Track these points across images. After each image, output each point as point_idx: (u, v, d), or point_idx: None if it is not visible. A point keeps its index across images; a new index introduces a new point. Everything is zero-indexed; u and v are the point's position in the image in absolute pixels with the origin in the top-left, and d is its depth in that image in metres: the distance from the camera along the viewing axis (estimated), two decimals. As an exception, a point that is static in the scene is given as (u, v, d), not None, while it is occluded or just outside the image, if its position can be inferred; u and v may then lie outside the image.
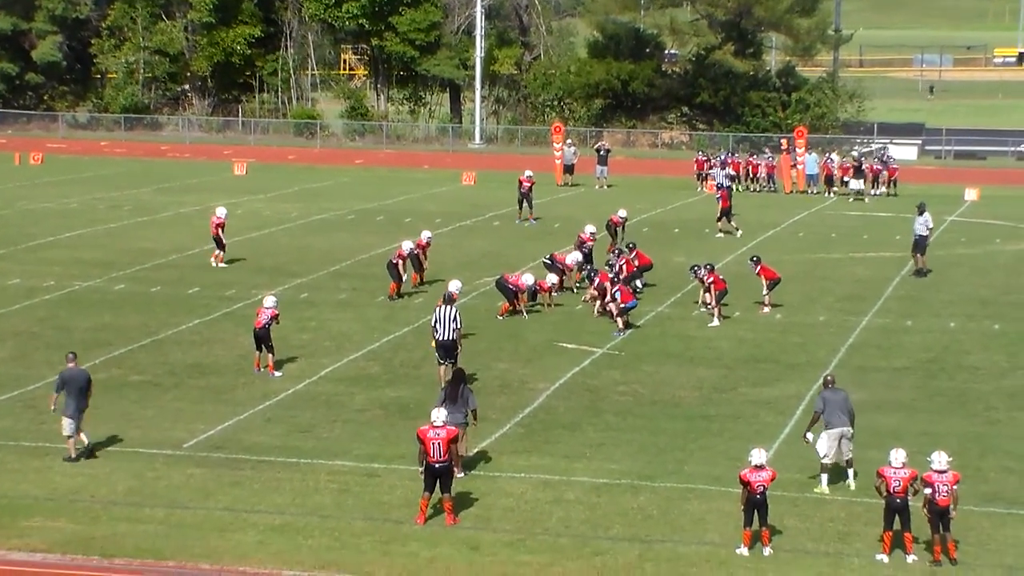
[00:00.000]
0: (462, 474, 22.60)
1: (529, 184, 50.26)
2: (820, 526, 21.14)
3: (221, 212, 41.30)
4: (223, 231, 40.88)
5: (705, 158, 63.27)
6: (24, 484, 22.52)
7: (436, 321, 27.89)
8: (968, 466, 22.31)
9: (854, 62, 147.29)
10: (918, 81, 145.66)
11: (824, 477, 22.64)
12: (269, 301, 29.49)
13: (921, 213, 40.76)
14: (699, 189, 61.29)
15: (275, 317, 29.11)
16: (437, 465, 20.91)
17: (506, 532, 20.84)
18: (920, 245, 40.75)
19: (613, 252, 37.89)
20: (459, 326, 27.98)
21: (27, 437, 24.84)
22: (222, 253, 40.91)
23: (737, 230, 47.83)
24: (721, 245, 45.87)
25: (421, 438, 21.09)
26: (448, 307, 28.05)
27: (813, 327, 33.91)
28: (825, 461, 22.63)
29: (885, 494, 19.88)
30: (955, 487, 19.65)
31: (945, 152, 77.94)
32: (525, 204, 50.25)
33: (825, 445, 22.61)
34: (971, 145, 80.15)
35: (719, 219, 48.25)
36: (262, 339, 29.06)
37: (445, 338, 27.73)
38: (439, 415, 21.20)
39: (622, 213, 43.85)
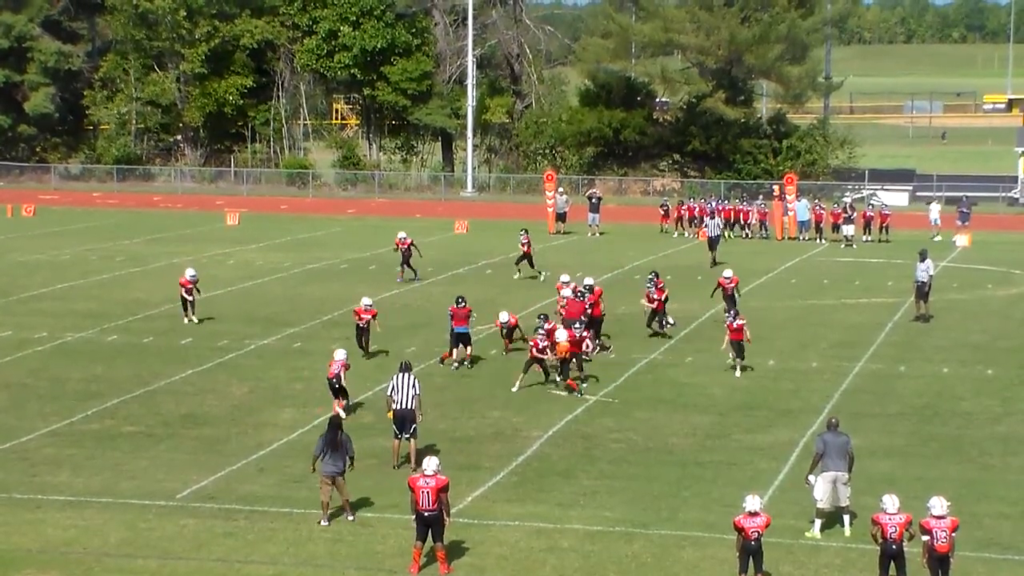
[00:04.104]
0: (351, 517, 22.90)
1: (527, 244, 48.81)
2: (815, 573, 21.07)
3: (190, 273, 40.06)
4: (195, 291, 39.79)
5: (695, 205, 63.42)
6: (16, 536, 22.41)
7: (393, 389, 26.14)
8: (963, 512, 22.23)
9: (844, 109, 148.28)
10: (908, 127, 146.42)
11: (818, 522, 22.61)
12: (340, 354, 29.86)
13: (923, 259, 40.82)
14: (689, 235, 61.45)
15: (345, 367, 29.60)
16: (427, 514, 20.87)
17: (500, 581, 20.80)
18: (922, 291, 40.76)
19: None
20: (418, 392, 26.43)
21: (19, 489, 24.75)
22: (191, 315, 39.67)
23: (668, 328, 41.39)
24: (712, 289, 45.75)
25: (411, 486, 21.07)
26: (406, 374, 26.45)
27: (806, 373, 33.92)
28: (821, 506, 22.60)
29: (880, 540, 19.81)
30: (953, 534, 19.59)
31: (935, 198, 78.01)
32: (525, 262, 48.95)
33: (820, 489, 22.59)
34: (962, 191, 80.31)
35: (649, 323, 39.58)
36: (333, 388, 29.62)
37: (404, 407, 25.96)
38: (430, 464, 21.14)
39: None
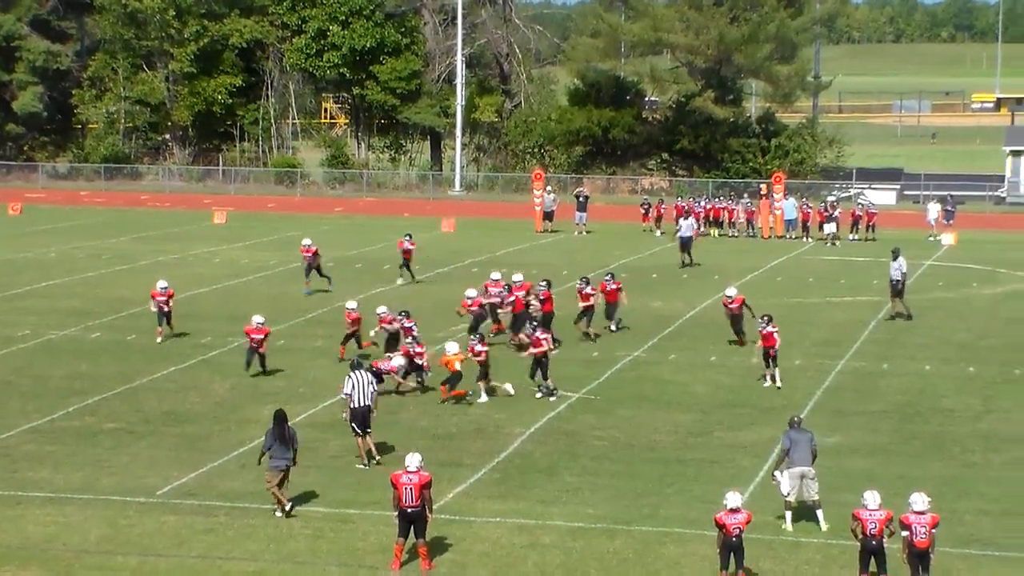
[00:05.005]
0: (279, 513, 23.06)
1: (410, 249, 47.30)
2: (796, 569, 21.07)
3: (161, 284, 37.50)
4: (171, 303, 37.27)
5: (684, 204, 63.26)
6: (-4, 533, 22.41)
7: (352, 388, 26.01)
8: (944, 508, 22.24)
9: (833, 108, 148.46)
10: (897, 127, 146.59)
11: (788, 515, 22.74)
12: (397, 361, 31.22)
13: (896, 258, 40.91)
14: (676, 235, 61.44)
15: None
16: (410, 510, 20.84)
17: (481, 577, 20.76)
18: (896, 289, 40.88)
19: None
20: (375, 390, 26.40)
21: (0, 486, 24.70)
22: (165, 328, 37.21)
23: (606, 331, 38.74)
24: (698, 288, 45.86)
25: (394, 483, 21.02)
26: (360, 372, 26.43)
27: (789, 371, 33.83)
28: (789, 499, 22.69)
29: (861, 536, 19.80)
30: (933, 530, 19.57)
31: (923, 197, 78.21)
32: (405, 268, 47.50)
33: (787, 484, 22.68)
34: (949, 190, 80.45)
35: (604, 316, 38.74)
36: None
37: (363, 404, 25.92)
38: (413, 460, 21.10)
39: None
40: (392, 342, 33.24)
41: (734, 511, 20.07)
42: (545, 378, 31.25)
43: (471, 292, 36.66)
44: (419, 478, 20.97)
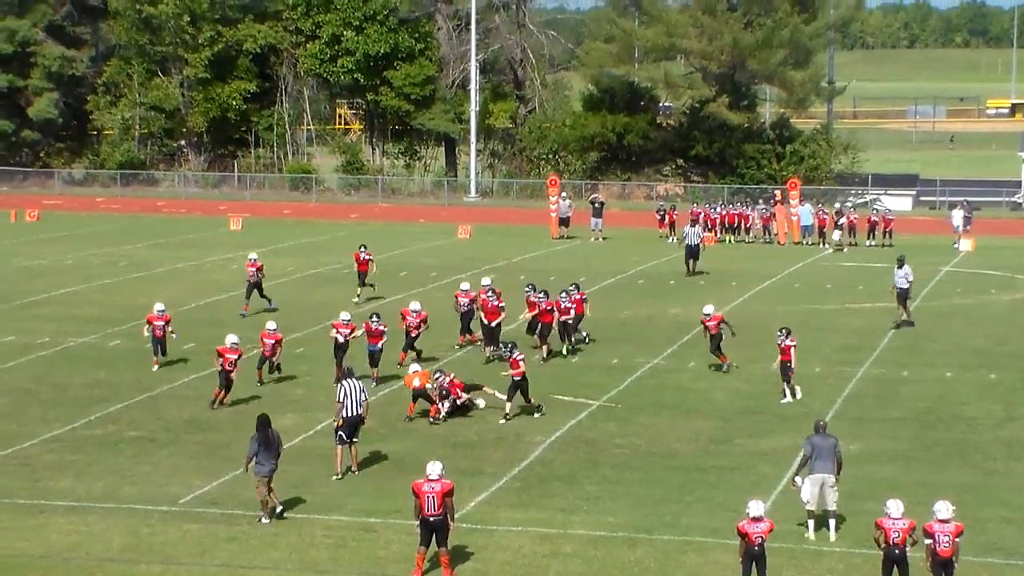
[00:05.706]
0: (266, 520, 23.15)
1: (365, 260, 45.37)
2: (818, 578, 21.08)
3: (158, 308, 35.51)
4: (168, 327, 35.22)
5: (700, 210, 63.28)
6: (20, 542, 22.40)
7: (344, 397, 25.87)
8: (967, 516, 22.16)
9: (848, 114, 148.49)
10: (912, 132, 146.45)
11: (811, 523, 22.73)
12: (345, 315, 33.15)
13: (901, 266, 40.82)
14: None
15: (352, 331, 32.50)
16: (432, 518, 20.84)
17: (503, 586, 20.78)
18: (902, 297, 40.80)
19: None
20: (367, 398, 26.28)
21: (22, 495, 24.75)
22: (160, 357, 35.20)
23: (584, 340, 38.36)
24: (715, 294, 45.73)
25: (416, 491, 21.02)
26: (353, 380, 26.34)
27: (809, 378, 33.79)
28: (809, 508, 22.68)
29: (884, 545, 19.75)
30: (957, 539, 19.51)
31: (939, 203, 78.14)
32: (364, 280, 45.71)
33: (807, 491, 22.65)
34: (965, 195, 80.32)
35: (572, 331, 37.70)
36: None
37: (354, 413, 25.84)
38: (434, 468, 21.10)
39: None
40: (341, 351, 32.96)
41: (757, 520, 20.01)
42: (527, 400, 30.36)
43: (465, 285, 36.68)
44: (441, 486, 20.97)
